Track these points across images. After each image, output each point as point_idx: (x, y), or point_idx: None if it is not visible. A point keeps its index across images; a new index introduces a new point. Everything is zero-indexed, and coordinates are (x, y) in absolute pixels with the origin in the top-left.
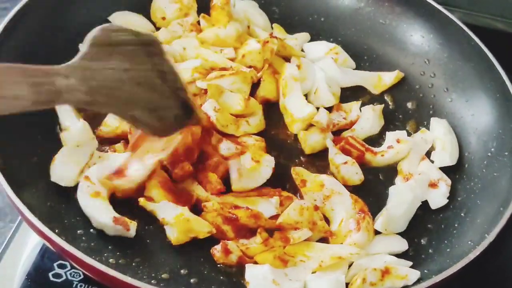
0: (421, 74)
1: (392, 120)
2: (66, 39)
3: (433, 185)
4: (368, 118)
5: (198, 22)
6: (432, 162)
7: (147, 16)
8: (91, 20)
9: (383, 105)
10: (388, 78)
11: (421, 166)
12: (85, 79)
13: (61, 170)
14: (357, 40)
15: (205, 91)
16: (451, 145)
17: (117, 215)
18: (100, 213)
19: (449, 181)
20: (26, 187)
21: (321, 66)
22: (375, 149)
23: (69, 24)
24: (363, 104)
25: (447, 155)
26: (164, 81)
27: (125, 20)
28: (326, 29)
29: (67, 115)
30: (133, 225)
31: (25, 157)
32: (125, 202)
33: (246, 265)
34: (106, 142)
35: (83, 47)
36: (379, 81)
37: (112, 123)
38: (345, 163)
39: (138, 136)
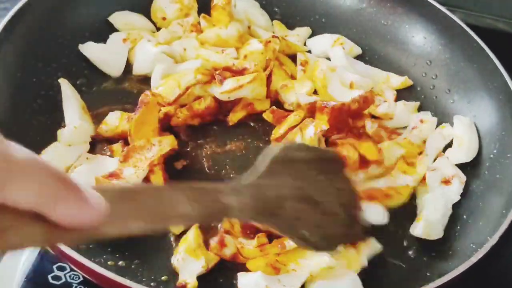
0: (422, 75)
1: None
2: (65, 39)
3: (446, 181)
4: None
5: (199, 23)
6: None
7: (148, 16)
8: (91, 20)
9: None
10: (396, 81)
11: (436, 162)
12: (257, 196)
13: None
14: (359, 41)
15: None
16: (469, 142)
17: None
18: None
19: (464, 178)
20: None
21: (332, 58)
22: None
23: (68, 24)
24: None
25: (462, 152)
26: (339, 199)
27: (126, 20)
28: (328, 30)
29: (71, 112)
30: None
31: None
32: None
33: (238, 274)
34: (105, 141)
35: (261, 165)
36: (387, 81)
37: (112, 122)
38: None
39: (128, 148)
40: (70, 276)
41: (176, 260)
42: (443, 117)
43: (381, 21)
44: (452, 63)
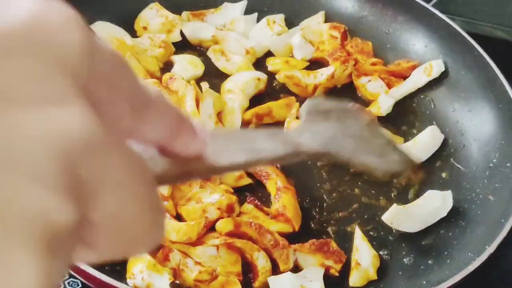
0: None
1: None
2: None
3: None
4: None
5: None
6: None
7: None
8: None
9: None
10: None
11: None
12: (312, 137)
13: None
14: None
15: None
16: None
17: None
18: None
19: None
20: None
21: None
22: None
23: None
24: (362, 105)
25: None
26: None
27: (106, 29)
28: None
29: None
30: None
31: None
32: None
33: (269, 278)
34: None
35: (302, 116)
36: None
37: None
38: (369, 80)
39: None
40: (69, 283)
41: (141, 279)
42: (443, 126)
43: (382, 29)
44: (453, 71)
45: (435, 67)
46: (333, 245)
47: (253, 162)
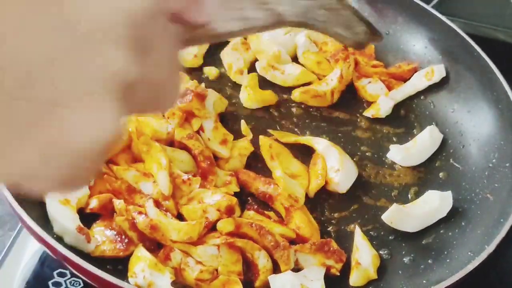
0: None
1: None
2: None
3: None
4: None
5: None
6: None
7: None
8: None
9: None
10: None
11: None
12: (292, 5)
13: None
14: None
15: None
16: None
17: (82, 225)
18: (65, 219)
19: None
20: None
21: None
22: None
23: None
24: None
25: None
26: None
27: None
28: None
29: None
30: (94, 240)
31: None
32: None
33: (270, 277)
34: None
35: None
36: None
37: None
38: (369, 82)
39: None
40: (70, 282)
41: (142, 278)
42: (443, 126)
43: (382, 30)
44: (453, 72)
45: (437, 72)
46: (334, 244)
47: (247, 30)
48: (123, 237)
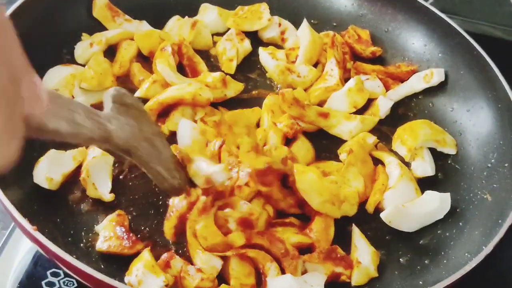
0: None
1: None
2: (54, 43)
3: None
4: None
5: None
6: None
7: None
8: (79, 26)
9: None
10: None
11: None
12: (120, 128)
13: (44, 173)
14: None
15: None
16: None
17: None
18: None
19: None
20: (18, 191)
21: None
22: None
23: (57, 30)
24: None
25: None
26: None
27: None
28: None
29: None
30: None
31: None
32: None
33: (268, 279)
34: None
35: (106, 103)
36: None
37: None
38: (367, 79)
39: None
40: (64, 282)
41: (135, 276)
42: (442, 126)
43: (381, 28)
44: (452, 71)
45: (436, 76)
46: (340, 251)
47: (74, 135)
48: (131, 234)
